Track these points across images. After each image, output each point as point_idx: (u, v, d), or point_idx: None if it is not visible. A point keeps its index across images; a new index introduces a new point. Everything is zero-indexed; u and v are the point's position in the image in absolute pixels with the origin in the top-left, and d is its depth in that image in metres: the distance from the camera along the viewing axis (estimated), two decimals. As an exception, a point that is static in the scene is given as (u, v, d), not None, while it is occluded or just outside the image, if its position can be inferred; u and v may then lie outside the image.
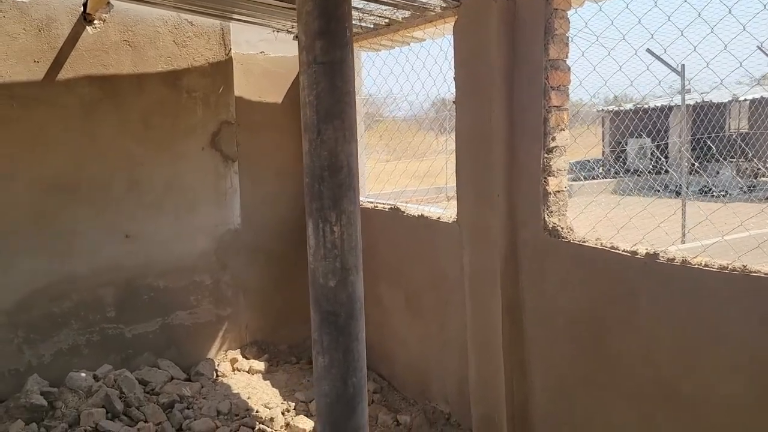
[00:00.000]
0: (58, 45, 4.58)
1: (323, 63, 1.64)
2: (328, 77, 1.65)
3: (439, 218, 4.19)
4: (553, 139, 3.37)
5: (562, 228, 3.35)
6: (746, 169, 19.97)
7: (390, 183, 6.38)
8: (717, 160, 19.13)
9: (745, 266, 2.56)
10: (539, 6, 3.28)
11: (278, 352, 5.47)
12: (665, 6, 3.06)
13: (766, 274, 2.47)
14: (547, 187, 3.39)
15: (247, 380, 4.91)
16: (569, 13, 3.37)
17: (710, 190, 17.50)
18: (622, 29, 3.34)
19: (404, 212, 4.56)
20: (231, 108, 5.22)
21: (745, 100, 20.42)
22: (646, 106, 20.89)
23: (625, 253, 3.00)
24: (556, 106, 3.37)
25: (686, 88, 21.54)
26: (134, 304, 4.99)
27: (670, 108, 21.43)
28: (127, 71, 4.81)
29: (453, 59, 3.86)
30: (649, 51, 8.83)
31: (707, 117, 19.97)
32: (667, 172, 20.44)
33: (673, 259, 2.80)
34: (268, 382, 4.93)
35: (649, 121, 20.38)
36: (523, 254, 3.52)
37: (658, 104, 20.94)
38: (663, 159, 20.90)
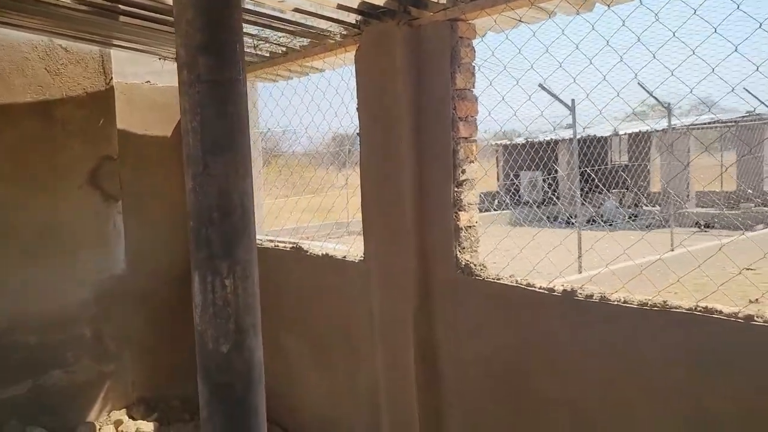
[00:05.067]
0: None
1: (210, 82, 1.36)
2: (216, 99, 1.37)
3: (344, 257, 3.93)
4: (463, 171, 3.21)
5: (475, 265, 3.17)
6: (627, 199, 21.11)
7: (290, 219, 6.05)
8: (601, 192, 20.07)
9: (665, 302, 2.46)
10: (445, 34, 3.13)
11: (170, 408, 4.95)
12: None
13: (687, 309, 2.38)
14: (458, 222, 3.21)
15: (133, 445, 4.38)
16: (474, 42, 3.25)
17: (596, 220, 18.30)
18: (515, 63, 3.26)
19: (307, 251, 4.26)
20: (113, 142, 4.76)
21: (625, 134, 21.71)
22: (535, 140, 21.71)
23: (542, 290, 2.85)
24: (465, 138, 3.22)
25: (569, 123, 22.63)
26: (-1, 365, 4.36)
27: (557, 142, 22.45)
28: (-11, 101, 4.26)
29: (356, 89, 3.65)
30: (541, 86, 9.06)
31: (591, 150, 20.95)
32: (556, 203, 21.27)
33: (592, 296, 2.68)
34: (158, 445, 4.42)
35: (536, 155, 21.15)
36: (436, 294, 3.30)
37: (547, 138, 21.86)
38: (553, 191, 21.77)
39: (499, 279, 3.05)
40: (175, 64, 4.88)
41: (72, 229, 4.60)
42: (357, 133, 3.72)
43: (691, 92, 2.68)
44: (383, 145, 3.45)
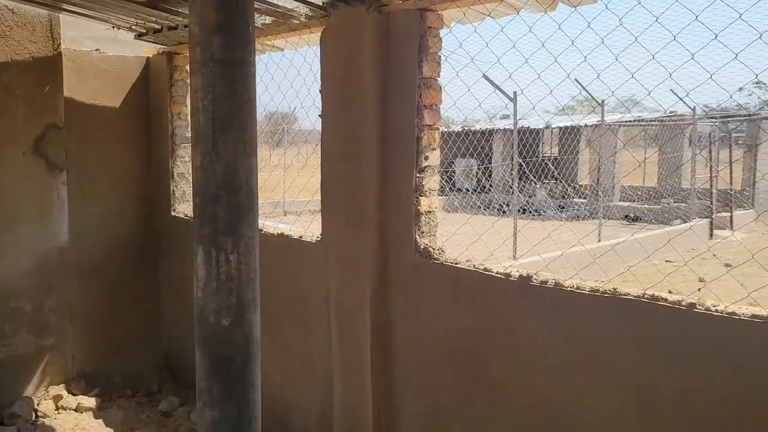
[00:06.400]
0: None
1: (221, 62, 1.39)
2: (226, 79, 1.39)
3: (301, 237, 3.97)
4: (426, 158, 3.31)
5: (433, 249, 3.29)
6: (557, 190, 21.84)
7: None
8: (533, 182, 20.69)
9: (615, 289, 2.64)
10: (414, 23, 3.20)
11: (111, 384, 4.88)
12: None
13: (635, 296, 2.56)
14: (419, 208, 3.31)
15: (74, 421, 4.30)
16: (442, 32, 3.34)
17: (527, 209, 18.89)
18: (462, 53, 3.40)
19: (262, 230, 4.27)
20: (59, 110, 4.60)
21: (556, 127, 22.42)
22: (471, 129, 22.11)
23: (498, 276, 2.98)
24: (429, 125, 3.31)
25: (505, 114, 23.12)
26: (-69, 337, 4.19)
27: (493, 131, 22.96)
28: (-72, 61, 4.05)
29: (320, 71, 3.68)
30: (485, 77, 9.27)
31: (524, 141, 21.50)
32: (490, 191, 21.81)
33: (546, 282, 2.83)
34: (100, 420, 4.36)
35: (472, 144, 21.57)
36: (394, 276, 3.40)
37: (482, 127, 22.33)
38: (487, 179, 22.28)
39: (456, 263, 3.17)
40: (129, 33, 4.78)
41: (13, 197, 4.44)
42: (319, 115, 3.75)
43: (612, 94, 2.85)
44: (347, 129, 3.50)
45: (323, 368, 3.78)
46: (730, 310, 2.34)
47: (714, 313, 2.35)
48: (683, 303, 2.43)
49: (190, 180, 5.18)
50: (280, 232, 4.15)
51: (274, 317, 4.21)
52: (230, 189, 1.43)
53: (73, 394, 4.65)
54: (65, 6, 4.37)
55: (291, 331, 4.08)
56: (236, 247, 1.45)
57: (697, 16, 2.42)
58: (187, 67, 5.08)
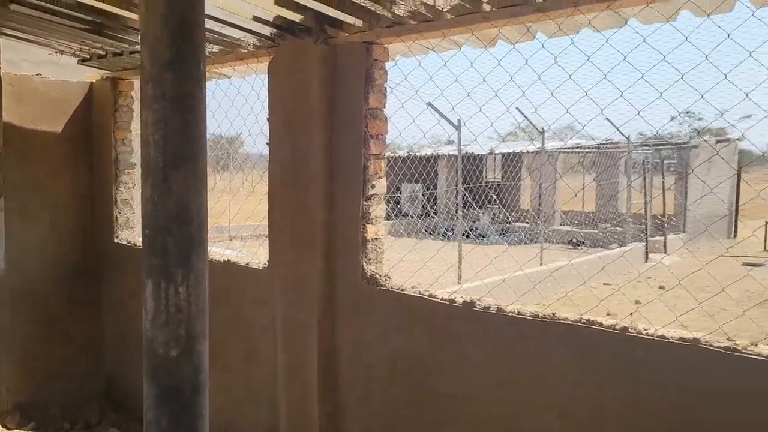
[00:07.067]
0: None
1: (173, 98, 1.42)
2: (179, 114, 1.43)
3: (248, 264, 3.97)
4: (372, 186, 3.38)
5: (380, 275, 3.35)
6: (499, 215, 22.29)
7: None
8: (477, 207, 21.07)
9: (554, 314, 2.75)
10: (360, 55, 3.30)
11: (48, 417, 4.72)
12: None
13: (573, 321, 2.67)
14: (365, 235, 3.37)
15: (9, 456, 4.14)
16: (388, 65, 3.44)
17: (471, 234, 19.21)
18: (407, 85, 3.52)
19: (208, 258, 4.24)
20: (-3, 135, 4.49)
21: (499, 153, 22.97)
22: (418, 154, 22.43)
23: (443, 301, 3.06)
24: (375, 155, 3.39)
25: (450, 140, 23.54)
26: None
27: (437, 157, 23.37)
28: None
29: (267, 99, 3.72)
30: (430, 105, 9.45)
31: (469, 167, 21.93)
32: (434, 216, 22.08)
33: (489, 307, 2.92)
34: (36, 456, 4.20)
35: (416, 169, 21.87)
36: (341, 303, 3.44)
37: (427, 153, 22.72)
38: (432, 204, 22.57)
39: (402, 290, 3.24)
40: (72, 58, 4.72)
41: (-53, 225, 4.30)
42: (266, 143, 3.79)
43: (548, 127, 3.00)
44: (294, 157, 3.54)
45: (269, 392, 3.77)
46: (659, 334, 2.47)
47: (645, 337, 2.48)
48: (617, 327, 2.56)
49: (134, 206, 5.12)
50: (226, 260, 4.13)
51: (220, 345, 4.17)
52: (181, 222, 1.45)
53: (8, 429, 4.47)
54: (6, 30, 4.29)
55: (237, 357, 4.06)
56: (186, 279, 1.47)
57: (625, 57, 2.59)
58: (132, 93, 5.04)
